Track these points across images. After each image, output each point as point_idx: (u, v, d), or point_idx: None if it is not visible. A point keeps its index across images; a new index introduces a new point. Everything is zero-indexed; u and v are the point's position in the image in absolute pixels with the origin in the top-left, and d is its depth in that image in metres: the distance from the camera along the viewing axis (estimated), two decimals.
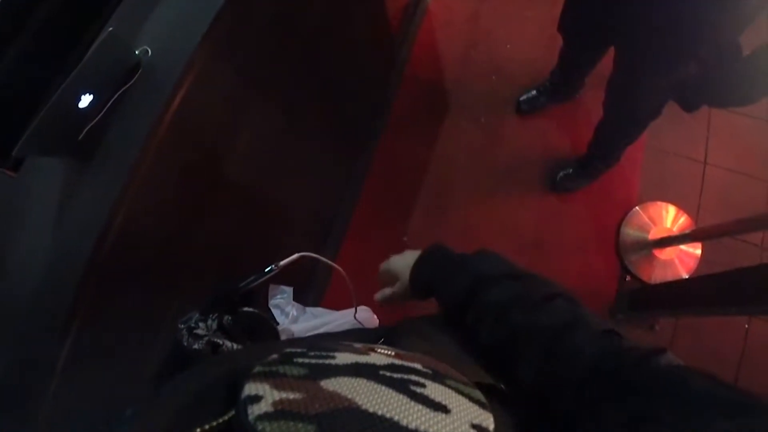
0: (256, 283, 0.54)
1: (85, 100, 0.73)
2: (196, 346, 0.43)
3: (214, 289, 0.52)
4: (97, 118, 0.76)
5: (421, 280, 0.55)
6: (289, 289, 0.74)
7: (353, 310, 0.70)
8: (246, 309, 0.52)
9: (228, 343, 0.45)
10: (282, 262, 0.55)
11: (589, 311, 0.41)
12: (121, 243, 0.69)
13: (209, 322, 0.47)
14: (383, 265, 0.62)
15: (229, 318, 0.48)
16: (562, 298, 0.42)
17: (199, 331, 0.45)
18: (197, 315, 0.48)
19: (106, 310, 0.69)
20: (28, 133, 0.65)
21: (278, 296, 0.74)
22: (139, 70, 0.78)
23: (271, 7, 0.98)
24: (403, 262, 0.58)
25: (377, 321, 0.80)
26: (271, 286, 0.75)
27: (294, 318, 0.72)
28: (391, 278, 0.61)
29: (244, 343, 0.48)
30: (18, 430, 0.60)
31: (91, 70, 0.70)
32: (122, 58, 0.77)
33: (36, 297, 0.64)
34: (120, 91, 0.78)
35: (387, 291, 0.62)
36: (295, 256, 0.57)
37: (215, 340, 0.44)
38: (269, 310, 0.74)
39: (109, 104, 0.77)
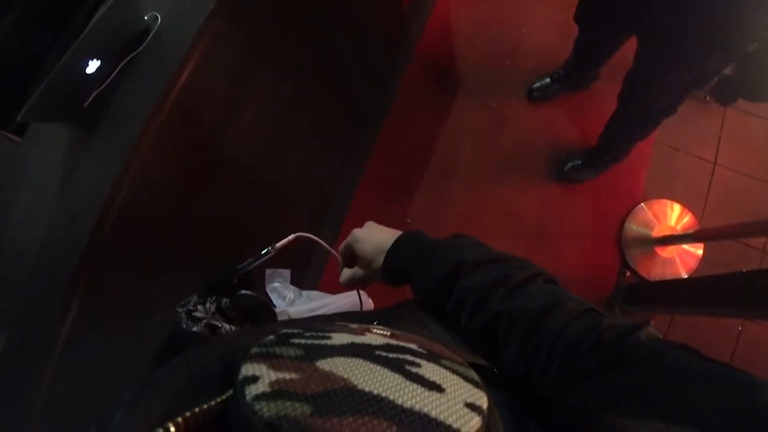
0: (253, 266, 0.54)
1: (93, 66, 0.71)
2: (195, 329, 0.43)
3: (211, 272, 0.52)
4: (104, 85, 0.75)
5: (397, 266, 0.53)
6: (287, 272, 0.74)
7: (349, 293, 0.70)
8: (244, 292, 0.52)
9: (226, 326, 0.45)
10: (278, 244, 0.55)
11: (569, 292, 0.41)
12: (123, 215, 0.69)
13: (208, 305, 0.47)
14: (346, 242, 0.58)
15: (227, 301, 0.48)
16: (542, 278, 0.42)
17: (198, 314, 0.45)
18: (195, 298, 0.48)
19: (107, 284, 0.69)
20: (35, 97, 0.64)
21: (276, 280, 0.74)
22: (148, 37, 0.77)
23: None
24: (373, 244, 0.55)
25: (372, 304, 0.81)
26: (268, 271, 0.75)
27: (291, 301, 0.72)
28: (359, 258, 0.56)
29: (242, 325, 0.48)
30: (19, 407, 0.61)
31: (98, 36, 0.69)
32: (131, 23, 0.75)
33: (37, 269, 0.64)
34: (128, 58, 0.76)
35: (348, 273, 0.58)
36: (291, 237, 0.56)
37: (214, 322, 0.45)
38: (267, 293, 0.75)
39: (116, 71, 0.76)
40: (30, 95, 0.64)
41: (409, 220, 1.69)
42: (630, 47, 1.19)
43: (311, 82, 1.23)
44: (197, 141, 0.88)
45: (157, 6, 0.79)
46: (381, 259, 0.54)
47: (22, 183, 0.72)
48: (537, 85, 1.74)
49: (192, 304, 0.46)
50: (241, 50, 0.92)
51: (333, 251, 0.61)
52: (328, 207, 1.64)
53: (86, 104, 0.74)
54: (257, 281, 0.57)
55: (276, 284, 0.73)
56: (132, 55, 0.76)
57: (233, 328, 0.45)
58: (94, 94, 0.74)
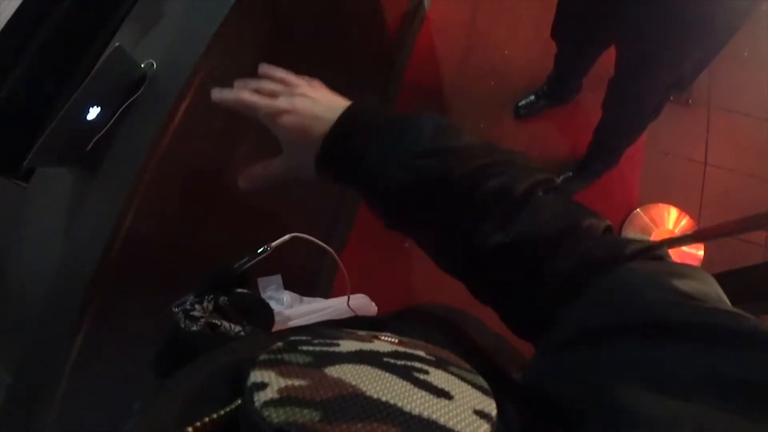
0: (249, 264, 0.53)
1: (93, 113, 0.75)
2: (194, 328, 0.43)
3: (208, 271, 0.52)
4: (104, 130, 0.79)
5: (348, 139, 0.37)
6: (277, 277, 0.73)
7: (347, 296, 0.70)
8: (241, 290, 0.52)
9: (226, 324, 0.44)
10: (274, 243, 0.54)
11: (577, 204, 0.35)
12: (128, 246, 0.71)
13: (205, 303, 0.46)
14: (264, 112, 0.41)
15: (225, 299, 0.48)
16: (542, 188, 0.35)
17: (196, 313, 0.44)
18: (192, 297, 0.47)
19: (114, 310, 0.71)
20: (38, 145, 0.67)
21: (269, 287, 0.75)
22: (145, 83, 0.81)
23: (269, 20, 1.01)
24: (308, 118, 0.38)
25: (375, 307, 0.80)
26: (260, 280, 0.75)
27: (289, 304, 0.72)
28: (283, 133, 0.40)
29: (241, 323, 0.47)
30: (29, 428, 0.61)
31: (98, 84, 0.73)
32: (128, 71, 0.80)
33: (46, 301, 0.66)
34: (126, 104, 0.80)
35: (265, 167, 0.43)
36: (287, 237, 0.56)
37: (213, 321, 0.44)
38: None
39: (116, 116, 0.79)
40: (35, 143, 0.67)
41: (407, 244, 1.70)
42: (610, 55, 1.23)
43: None
44: (199, 172, 0.91)
45: (152, 54, 0.83)
46: (319, 131, 0.38)
47: (30, 224, 0.75)
48: (522, 102, 1.80)
49: (189, 303, 0.45)
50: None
51: (330, 249, 0.60)
52: (330, 232, 1.66)
53: (88, 148, 0.78)
54: (253, 282, 0.56)
55: (270, 291, 0.74)
56: (130, 100, 0.80)
57: (233, 326, 0.45)
58: (95, 139, 0.78)
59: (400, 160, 0.35)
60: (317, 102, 0.40)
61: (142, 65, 0.82)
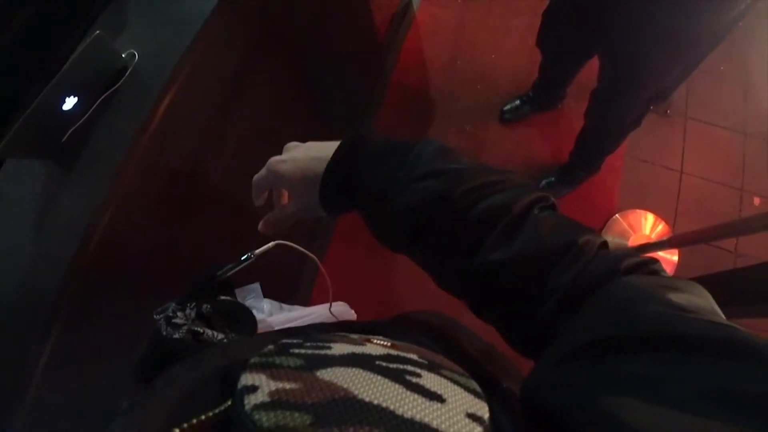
0: (232, 272, 0.52)
1: (70, 103, 0.72)
2: (176, 335, 0.42)
3: (191, 280, 0.51)
4: (81, 121, 0.75)
5: (344, 172, 0.39)
6: (256, 286, 0.72)
7: (329, 304, 0.69)
8: (224, 297, 0.51)
9: (208, 331, 0.44)
10: (257, 251, 0.54)
11: (571, 220, 0.36)
12: (104, 246, 0.68)
13: (188, 311, 0.45)
14: (265, 173, 0.45)
15: (208, 306, 0.47)
16: (538, 206, 0.36)
17: (178, 320, 0.43)
18: (174, 305, 0.46)
19: (89, 311, 0.68)
20: (10, 135, 0.64)
21: (248, 297, 0.73)
22: (126, 74, 0.78)
23: (257, 16, 0.99)
24: (307, 156, 0.41)
25: (354, 315, 0.79)
26: (238, 290, 0.73)
27: (269, 312, 0.71)
28: (286, 182, 0.44)
29: (223, 330, 0.46)
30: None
31: (76, 73, 0.70)
32: (108, 61, 0.77)
33: (14, 302, 0.63)
34: (105, 95, 0.77)
35: (279, 212, 0.46)
36: (271, 244, 0.55)
37: (195, 328, 0.43)
38: None
39: (93, 107, 0.76)
40: (6, 133, 0.64)
41: None
42: (594, 65, 1.25)
43: (292, 112, 1.26)
44: (180, 170, 0.88)
45: (134, 44, 0.81)
46: (319, 170, 0.40)
47: None
48: (508, 107, 1.82)
49: (171, 310, 0.44)
50: (220, 84, 0.94)
51: (313, 257, 0.59)
52: (312, 232, 1.64)
53: (63, 140, 0.74)
54: (235, 288, 0.55)
55: (250, 301, 0.72)
56: (109, 91, 0.77)
57: (216, 333, 0.44)
58: (71, 131, 0.75)
59: (401, 183, 0.36)
60: (312, 147, 0.43)
61: (124, 55, 0.79)
